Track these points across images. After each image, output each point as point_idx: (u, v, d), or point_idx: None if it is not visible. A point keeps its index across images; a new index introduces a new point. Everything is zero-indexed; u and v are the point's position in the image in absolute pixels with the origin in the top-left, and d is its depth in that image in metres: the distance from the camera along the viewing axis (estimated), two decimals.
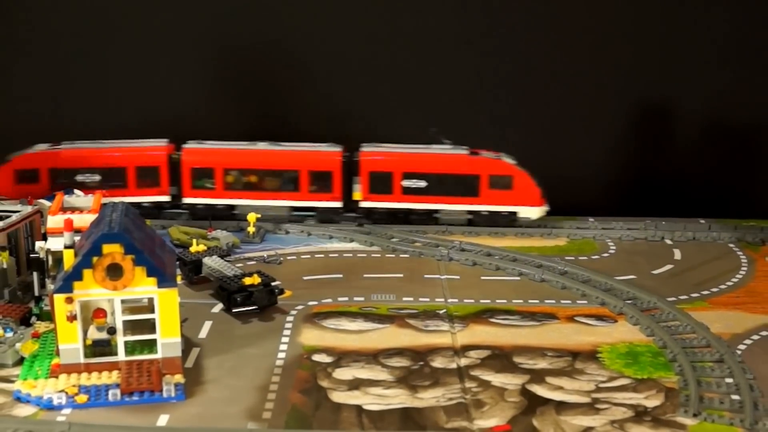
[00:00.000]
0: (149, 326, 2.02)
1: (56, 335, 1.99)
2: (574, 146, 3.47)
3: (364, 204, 3.24)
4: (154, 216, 3.18)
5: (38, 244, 2.28)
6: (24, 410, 1.92)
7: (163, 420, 1.88)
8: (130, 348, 2.05)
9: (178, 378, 2.01)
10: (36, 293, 2.35)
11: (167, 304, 2.00)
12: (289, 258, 2.91)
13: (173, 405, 1.94)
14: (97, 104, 3.47)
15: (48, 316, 2.25)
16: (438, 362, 2.17)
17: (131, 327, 2.04)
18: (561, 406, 1.97)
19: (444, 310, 2.49)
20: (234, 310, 2.40)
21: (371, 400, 1.98)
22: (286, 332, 2.32)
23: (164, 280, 1.99)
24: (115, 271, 1.95)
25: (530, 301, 2.57)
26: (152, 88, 3.46)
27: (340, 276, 2.75)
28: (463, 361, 2.18)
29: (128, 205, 2.16)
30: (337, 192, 3.22)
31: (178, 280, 2.14)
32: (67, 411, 1.91)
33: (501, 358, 2.20)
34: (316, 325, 2.38)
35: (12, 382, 2.02)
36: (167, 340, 2.02)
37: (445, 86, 3.48)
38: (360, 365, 2.15)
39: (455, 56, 3.47)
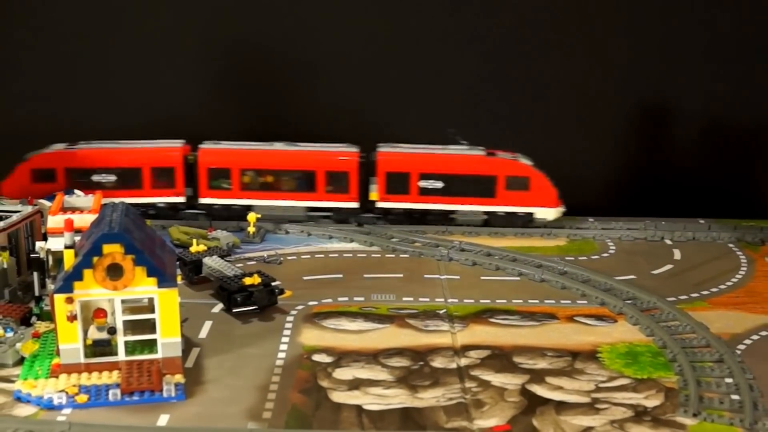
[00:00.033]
0: (149, 326, 2.03)
1: (56, 335, 1.99)
2: (574, 146, 3.47)
3: (380, 204, 3.23)
4: (170, 217, 3.18)
5: (38, 244, 2.28)
6: (24, 410, 1.92)
7: (163, 420, 1.88)
8: (131, 348, 2.05)
9: (179, 378, 2.01)
10: (36, 293, 2.36)
11: (167, 304, 2.01)
12: (289, 258, 2.91)
13: (173, 405, 1.94)
14: (98, 104, 3.47)
15: (48, 316, 2.25)
16: (438, 362, 2.17)
17: (131, 327, 2.04)
18: (561, 406, 1.97)
19: (444, 310, 2.49)
20: (234, 310, 2.40)
21: (371, 400, 1.98)
22: (286, 332, 2.33)
23: (164, 280, 1.99)
24: (115, 271, 1.95)
25: (530, 301, 2.57)
26: (156, 87, 3.46)
27: (340, 276, 2.75)
28: (463, 361, 2.18)
29: (128, 205, 2.16)
30: (354, 192, 3.21)
31: (179, 280, 2.14)
32: (67, 411, 1.91)
33: (501, 358, 2.20)
34: (316, 325, 2.38)
35: (12, 382, 2.02)
36: (167, 340, 2.02)
37: (444, 86, 3.48)
38: (360, 365, 2.15)
39: (454, 56, 3.47)
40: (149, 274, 1.97)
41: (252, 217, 3.05)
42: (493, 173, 3.17)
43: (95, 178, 3.15)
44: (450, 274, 2.78)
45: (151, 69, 3.46)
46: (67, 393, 1.94)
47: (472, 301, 2.56)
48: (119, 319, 2.01)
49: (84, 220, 2.22)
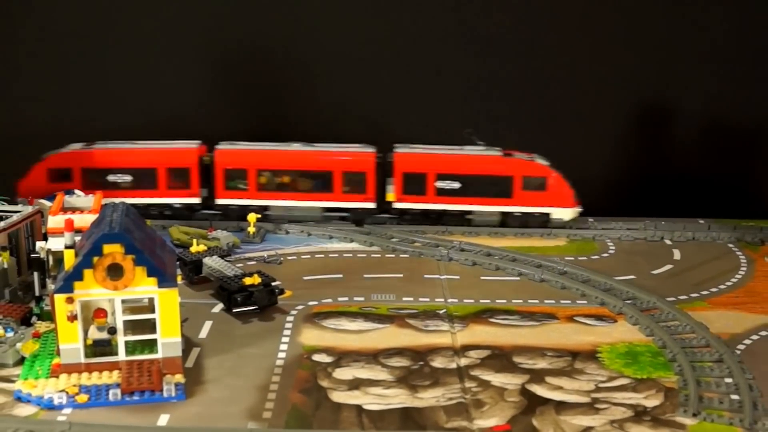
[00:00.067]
0: (150, 326, 2.03)
1: (57, 335, 1.99)
2: (574, 146, 3.47)
3: (397, 205, 3.23)
4: (186, 217, 3.19)
5: (39, 244, 2.29)
6: (25, 410, 1.92)
7: (163, 420, 1.88)
8: (131, 348, 2.05)
9: (179, 378, 2.01)
10: (37, 293, 2.36)
11: (168, 304, 2.01)
12: (289, 258, 2.91)
13: (173, 405, 1.94)
14: (98, 104, 3.47)
15: (48, 316, 2.25)
16: (438, 362, 2.17)
17: (132, 327, 2.05)
18: (561, 406, 1.97)
19: (444, 310, 2.49)
20: (234, 310, 2.40)
21: (371, 400, 1.99)
22: (286, 332, 2.33)
23: (165, 280, 1.99)
24: (115, 271, 1.95)
25: (530, 301, 2.57)
26: (157, 87, 3.46)
27: (340, 276, 2.75)
28: (463, 361, 2.18)
29: (128, 205, 2.16)
30: (371, 193, 3.20)
31: (179, 280, 2.14)
32: (67, 411, 1.91)
33: (501, 358, 2.20)
34: (316, 325, 2.39)
35: (13, 381, 2.02)
36: (168, 339, 2.03)
37: (443, 86, 3.48)
38: (360, 365, 2.15)
39: (454, 56, 3.47)
40: (149, 274, 1.97)
41: (252, 217, 3.05)
42: (510, 173, 3.16)
43: (111, 178, 3.16)
44: (450, 274, 2.78)
45: (152, 69, 3.46)
46: (67, 393, 1.94)
47: (472, 301, 2.56)
48: (119, 319, 2.01)
49: (84, 220, 2.23)
